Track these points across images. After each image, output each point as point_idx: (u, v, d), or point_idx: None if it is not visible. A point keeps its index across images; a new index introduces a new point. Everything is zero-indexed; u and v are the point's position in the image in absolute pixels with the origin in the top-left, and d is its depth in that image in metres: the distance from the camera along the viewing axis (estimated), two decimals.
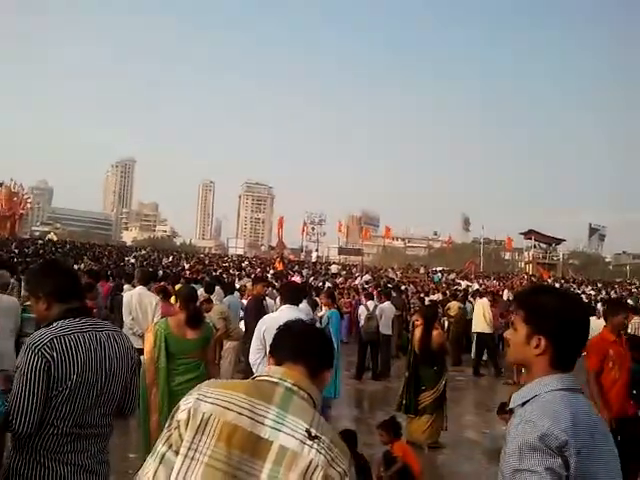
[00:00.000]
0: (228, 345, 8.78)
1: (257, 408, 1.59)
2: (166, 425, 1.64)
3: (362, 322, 12.10)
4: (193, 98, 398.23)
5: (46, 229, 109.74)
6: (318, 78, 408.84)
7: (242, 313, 9.64)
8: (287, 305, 5.32)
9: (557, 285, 33.48)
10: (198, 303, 5.73)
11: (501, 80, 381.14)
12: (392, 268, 49.49)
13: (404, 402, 7.23)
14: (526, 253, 70.45)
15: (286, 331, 1.91)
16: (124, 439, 6.17)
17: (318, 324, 5.32)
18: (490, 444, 7.40)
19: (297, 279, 23.27)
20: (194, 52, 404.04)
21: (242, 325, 9.23)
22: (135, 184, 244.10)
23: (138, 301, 7.42)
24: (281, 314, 5.32)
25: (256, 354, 5.17)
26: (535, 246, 67.61)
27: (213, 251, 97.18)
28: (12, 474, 2.33)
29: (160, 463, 1.58)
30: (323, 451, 1.55)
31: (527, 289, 2.16)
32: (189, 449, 1.55)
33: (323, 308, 10.84)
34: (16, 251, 32.19)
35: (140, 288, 7.73)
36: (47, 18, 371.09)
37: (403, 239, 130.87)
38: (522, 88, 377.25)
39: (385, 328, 12.10)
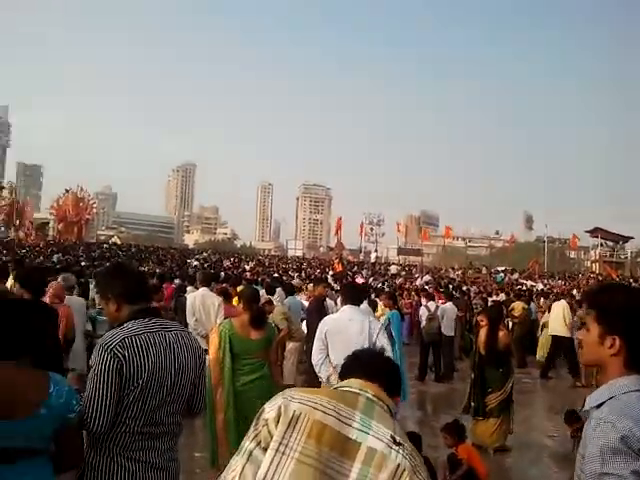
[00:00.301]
0: (290, 346, 8.83)
1: (342, 411, 1.63)
2: (252, 425, 1.66)
3: (423, 323, 11.97)
4: (250, 101, 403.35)
5: (111, 233, 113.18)
6: (373, 78, 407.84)
7: (303, 314, 9.67)
8: (348, 305, 5.29)
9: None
10: (260, 304, 5.78)
11: (569, 78, 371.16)
12: (453, 268, 48.84)
13: (472, 404, 7.09)
14: (592, 251, 68.28)
15: (356, 357, 1.95)
16: (191, 438, 6.27)
17: (380, 325, 5.26)
18: (558, 448, 7.20)
19: (360, 280, 23.13)
20: (247, 55, 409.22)
21: (303, 326, 9.28)
22: (196, 188, 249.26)
23: (201, 302, 7.53)
24: (342, 315, 5.30)
25: (318, 355, 5.16)
26: (602, 244, 65.28)
27: (272, 253, 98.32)
28: (88, 469, 2.41)
29: (247, 460, 1.60)
30: (408, 457, 1.59)
31: (597, 287, 2.10)
32: (280, 444, 1.57)
33: (379, 308, 10.81)
34: (83, 255, 33.31)
35: (203, 290, 7.85)
36: (112, 19, 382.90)
37: (464, 239, 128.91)
38: (593, 84, 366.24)
39: (447, 329, 11.93)
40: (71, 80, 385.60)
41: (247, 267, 32.71)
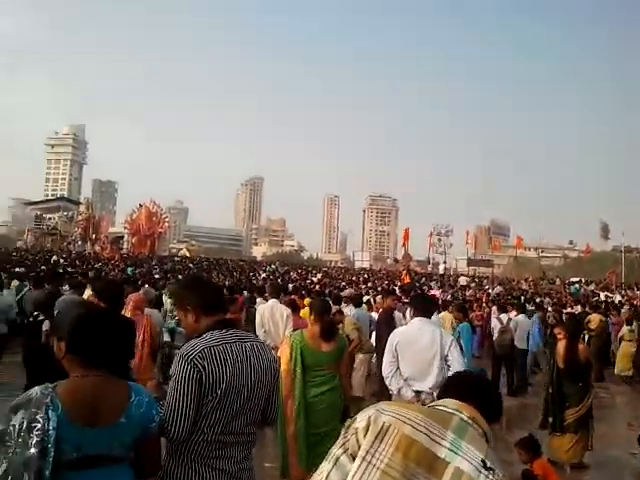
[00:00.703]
0: (360, 358, 8.79)
1: (434, 429, 1.62)
2: (341, 434, 1.68)
3: (495, 335, 11.71)
4: (316, 114, 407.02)
5: (182, 246, 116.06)
6: (434, 93, 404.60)
7: (370, 326, 9.61)
8: (419, 318, 5.22)
9: None
10: (331, 315, 5.77)
11: None
12: (525, 279, 47.58)
13: (549, 419, 6.84)
14: None
15: (454, 378, 2.01)
16: (261, 449, 6.30)
17: (451, 338, 5.16)
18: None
19: (435, 292, 22.61)
20: (312, 70, 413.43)
21: (372, 339, 9.23)
22: (264, 201, 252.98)
23: (270, 314, 7.58)
24: (413, 327, 5.24)
25: (388, 367, 5.11)
26: None
27: (339, 265, 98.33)
28: (166, 476, 2.47)
29: (334, 465, 1.63)
30: None
31: None
32: (367, 452, 1.58)
33: (448, 320, 10.59)
34: (156, 268, 34.29)
35: (272, 301, 7.91)
36: (176, 35, 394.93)
37: (536, 249, 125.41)
38: None
39: (520, 342, 11.61)
40: (143, 98, 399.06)
41: (314, 279, 32.87)
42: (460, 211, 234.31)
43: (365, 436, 1.60)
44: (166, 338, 7.42)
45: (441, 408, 1.75)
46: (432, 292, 23.12)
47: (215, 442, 2.48)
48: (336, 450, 1.65)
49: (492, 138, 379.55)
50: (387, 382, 5.15)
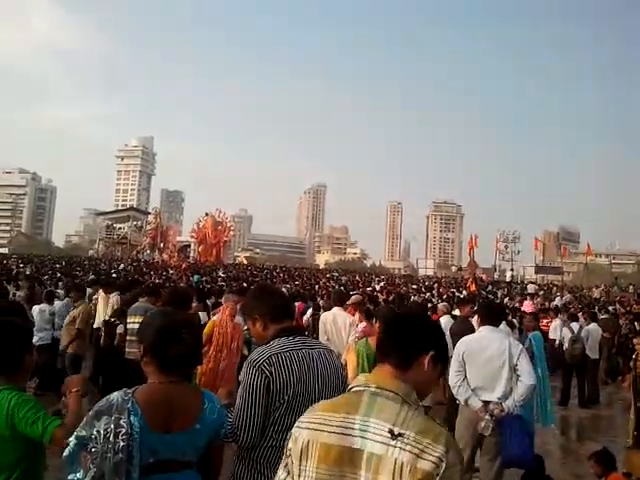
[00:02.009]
0: None
1: (345, 422, 1.64)
2: (284, 452, 1.77)
3: (566, 345, 11.38)
4: (378, 119, 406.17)
5: (247, 254, 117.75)
6: (501, 93, 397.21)
7: None
8: (487, 326, 5.15)
9: None
10: None
11: None
12: (596, 287, 46.01)
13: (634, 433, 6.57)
14: None
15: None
16: None
17: (520, 347, 5.06)
18: None
19: (528, 307, 21.02)
20: (375, 75, 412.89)
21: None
22: (326, 209, 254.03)
23: (333, 321, 7.59)
24: (480, 335, 5.17)
25: (455, 377, 5.04)
26: None
27: (402, 272, 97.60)
28: None
29: None
30: (408, 447, 1.53)
31: None
32: (298, 474, 1.67)
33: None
34: (222, 275, 34.94)
35: (336, 309, 7.92)
36: (242, 50, 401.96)
37: (607, 255, 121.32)
38: None
39: (592, 351, 11.25)
40: (207, 110, 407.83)
41: (377, 287, 32.71)
42: (527, 217, 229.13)
43: (294, 457, 1.69)
44: (245, 352, 7.49)
45: (355, 388, 1.73)
46: (525, 306, 21.58)
47: (284, 448, 2.52)
48: (280, 473, 1.75)
49: (559, 140, 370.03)
50: (454, 392, 5.09)
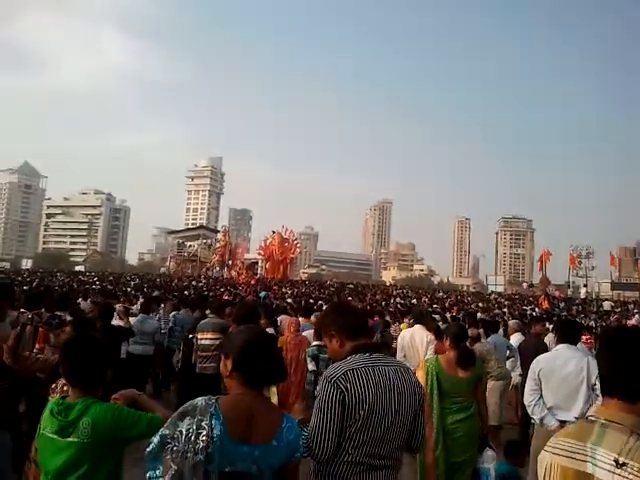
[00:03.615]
0: (491, 385, 8.46)
1: (578, 449, 1.79)
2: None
3: None
4: (443, 133, 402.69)
5: (313, 271, 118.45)
6: (580, 107, 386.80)
7: (508, 352, 9.23)
8: (564, 344, 4.98)
9: None
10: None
11: None
12: None
13: None
14: None
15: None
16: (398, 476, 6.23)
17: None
18: None
19: (633, 322, 19.79)
20: (439, 87, 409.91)
21: (508, 364, 8.87)
22: (392, 225, 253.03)
23: (411, 338, 7.52)
24: (558, 353, 5.00)
25: (531, 396, 4.90)
26: None
27: (471, 289, 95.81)
28: None
29: None
30: (631, 476, 1.63)
31: None
32: None
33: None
34: (289, 292, 35.28)
35: (417, 326, 7.82)
36: (297, 66, 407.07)
37: None
38: None
39: None
40: (274, 129, 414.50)
41: (446, 304, 32.24)
42: (602, 232, 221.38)
43: (540, 476, 1.89)
44: (311, 367, 7.53)
45: (590, 418, 1.87)
46: (631, 321, 20.30)
47: (360, 464, 2.52)
48: None
49: (633, 152, 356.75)
50: (529, 411, 4.94)
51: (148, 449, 2.12)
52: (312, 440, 2.49)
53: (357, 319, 2.85)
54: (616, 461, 1.66)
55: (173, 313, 11.46)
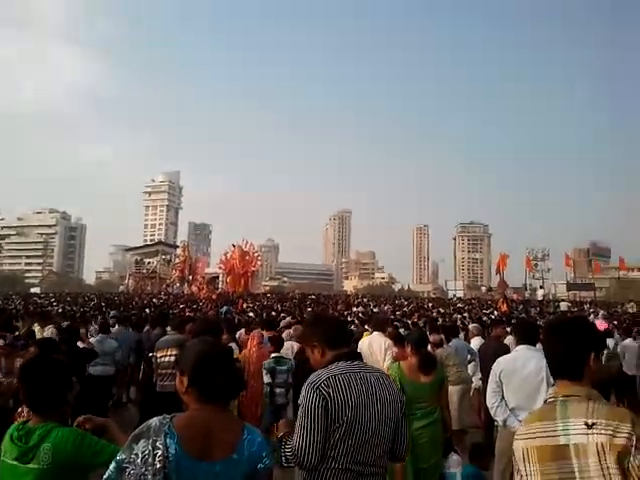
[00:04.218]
0: (450, 389, 8.52)
1: (548, 427, 2.08)
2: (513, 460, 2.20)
3: (602, 362, 11.12)
4: (398, 145, 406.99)
5: (275, 283, 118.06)
6: (519, 112, 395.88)
7: (469, 356, 9.34)
8: (523, 346, 5.06)
9: None
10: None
11: None
12: (630, 301, 45.10)
13: None
14: None
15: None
16: None
17: None
18: None
19: (599, 323, 20.08)
20: (394, 103, 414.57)
21: (470, 368, 8.96)
22: (352, 234, 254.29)
23: (369, 345, 7.58)
24: (517, 355, 5.08)
25: (493, 397, 4.95)
26: None
27: (432, 295, 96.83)
28: None
29: None
30: (603, 431, 1.95)
31: None
32: (527, 475, 2.10)
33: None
34: (251, 305, 35.06)
35: (375, 334, 7.88)
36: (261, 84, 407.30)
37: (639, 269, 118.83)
38: None
39: (629, 368, 10.97)
40: (228, 141, 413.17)
41: (406, 310, 32.47)
42: (557, 234, 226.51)
43: (519, 463, 2.13)
44: (267, 380, 7.54)
45: (548, 401, 2.19)
46: (598, 323, 20.59)
47: (349, 471, 2.55)
48: (516, 476, 2.17)
49: (586, 154, 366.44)
50: (492, 412, 4.99)
51: (105, 476, 2.07)
52: (297, 447, 2.51)
53: (337, 329, 2.93)
54: (586, 423, 1.98)
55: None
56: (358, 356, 2.84)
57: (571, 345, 2.20)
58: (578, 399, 2.08)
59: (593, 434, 1.95)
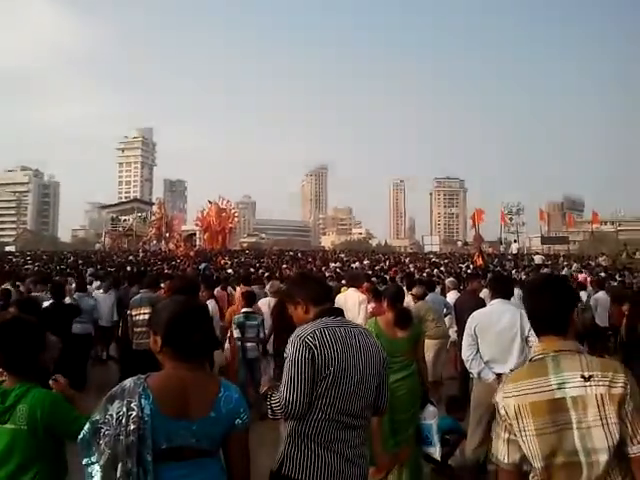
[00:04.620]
0: (428, 343, 8.66)
1: (541, 383, 2.09)
2: (496, 419, 2.21)
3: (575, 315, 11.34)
4: (376, 99, 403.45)
5: (252, 240, 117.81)
6: (501, 62, 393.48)
7: (445, 309, 9.45)
8: (498, 299, 5.13)
9: None
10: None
11: None
12: (602, 254, 45.85)
13: None
14: None
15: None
16: None
17: None
18: None
19: (582, 277, 20.35)
20: (374, 53, 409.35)
21: (446, 322, 9.09)
22: (329, 190, 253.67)
23: (344, 301, 7.65)
24: (492, 309, 5.15)
25: (468, 350, 5.05)
26: None
27: (409, 250, 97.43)
28: (286, 459, 2.61)
29: (508, 443, 2.14)
30: (600, 382, 2.02)
31: None
32: (520, 431, 2.09)
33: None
34: (229, 262, 35.03)
35: (351, 290, 7.95)
36: (242, 35, 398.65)
37: (613, 223, 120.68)
38: None
39: (601, 320, 11.22)
40: (207, 97, 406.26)
41: (384, 266, 32.66)
42: (531, 188, 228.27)
43: (511, 421, 2.12)
44: (236, 334, 7.60)
45: (536, 357, 2.19)
46: (580, 276, 20.97)
47: (334, 421, 2.61)
48: (502, 433, 2.15)
49: (559, 108, 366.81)
50: (467, 365, 5.09)
51: (80, 436, 2.09)
52: (284, 398, 2.56)
53: (321, 287, 3.03)
54: (583, 376, 2.03)
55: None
56: (340, 312, 2.90)
57: (558, 302, 2.24)
58: (569, 352, 2.14)
59: (591, 386, 2.02)
